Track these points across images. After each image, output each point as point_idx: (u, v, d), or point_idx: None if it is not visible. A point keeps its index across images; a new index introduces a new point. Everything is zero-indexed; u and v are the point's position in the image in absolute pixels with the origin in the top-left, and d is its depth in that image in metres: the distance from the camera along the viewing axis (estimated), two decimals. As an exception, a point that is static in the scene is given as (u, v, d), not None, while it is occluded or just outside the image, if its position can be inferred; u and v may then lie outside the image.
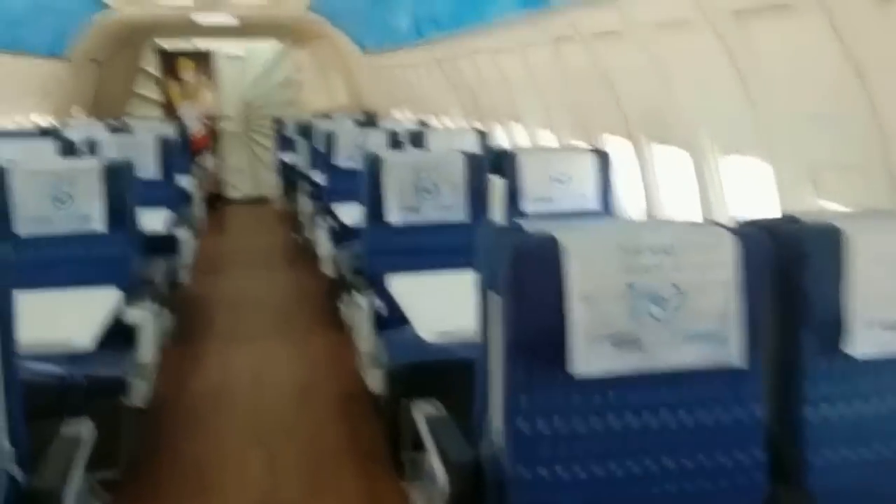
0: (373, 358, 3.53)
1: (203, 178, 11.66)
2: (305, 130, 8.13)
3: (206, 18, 10.39)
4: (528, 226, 1.77)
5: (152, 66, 11.91)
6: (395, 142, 6.18)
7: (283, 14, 10.08)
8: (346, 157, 6.15)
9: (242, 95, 12.30)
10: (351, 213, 5.10)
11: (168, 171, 5.78)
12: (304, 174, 8.07)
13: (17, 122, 8.88)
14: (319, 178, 7.11)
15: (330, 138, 6.22)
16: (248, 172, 12.49)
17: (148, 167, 5.67)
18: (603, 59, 3.84)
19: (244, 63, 12.26)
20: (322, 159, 6.89)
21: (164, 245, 5.12)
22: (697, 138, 3.22)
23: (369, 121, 9.48)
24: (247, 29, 11.24)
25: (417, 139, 6.14)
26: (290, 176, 9.21)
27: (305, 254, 8.03)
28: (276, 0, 9.27)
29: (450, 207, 3.73)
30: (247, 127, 12.42)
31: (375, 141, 6.12)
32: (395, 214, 3.73)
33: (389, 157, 3.85)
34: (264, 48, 12.21)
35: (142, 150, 5.73)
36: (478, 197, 3.76)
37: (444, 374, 3.00)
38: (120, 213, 3.61)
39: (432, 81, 7.54)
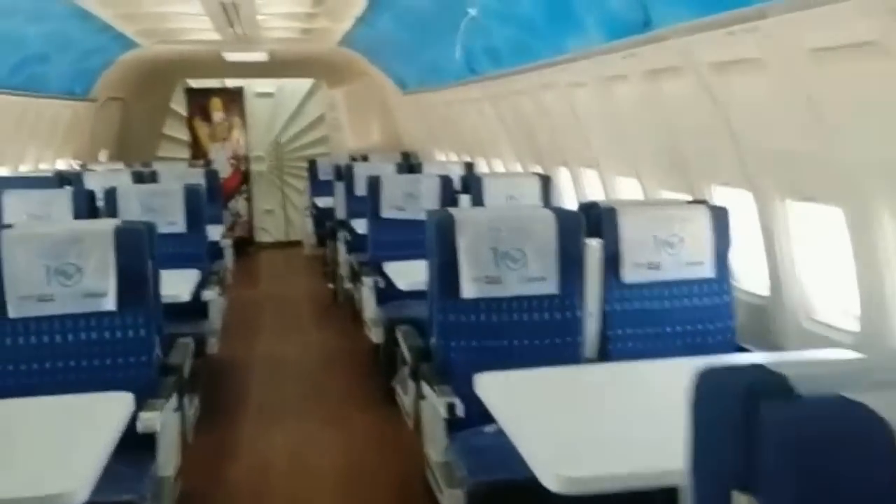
0: (447, 470, 2.86)
1: (233, 223, 11.12)
2: (343, 173, 7.51)
3: (235, 56, 9.89)
4: (802, 381, 1.02)
5: (181, 105, 11.39)
6: (447, 191, 5.51)
7: (314, 49, 9.54)
8: (393, 207, 5.50)
9: (273, 134, 11.75)
10: (403, 273, 4.45)
11: (197, 221, 5.15)
12: (342, 221, 7.44)
13: (40, 169, 8.36)
14: (361, 226, 6.49)
15: (374, 185, 5.58)
16: (279, 215, 11.90)
17: (175, 219, 5.06)
18: (722, 94, 3.16)
19: (275, 100, 11.71)
20: (364, 207, 6.28)
21: (191, 312, 4.50)
22: (864, 195, 2.52)
23: (409, 162, 8.88)
24: (279, 66, 10.72)
25: (472, 187, 5.49)
26: (324, 221, 8.58)
27: (343, 308, 7.39)
28: (308, 34, 8.73)
29: (538, 279, 3.05)
30: (278, 167, 11.85)
31: (427, 189, 5.48)
32: (470, 288, 3.05)
33: (462, 215, 3.17)
34: (296, 85, 11.66)
35: (168, 199, 5.12)
36: (571, 264, 3.08)
37: (539, 498, 2.39)
38: (138, 287, 2.99)
39: (483, 120, 6.90)
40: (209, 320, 4.86)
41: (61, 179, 7.24)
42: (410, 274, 4.26)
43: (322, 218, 8.81)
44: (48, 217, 4.93)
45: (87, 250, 2.92)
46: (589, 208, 3.25)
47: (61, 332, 2.88)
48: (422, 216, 3.67)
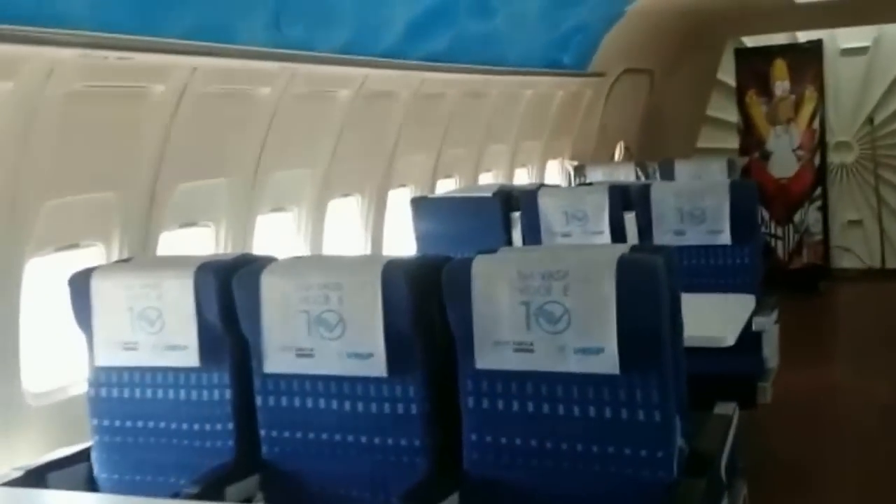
0: None
1: (799, 244, 7.64)
2: None
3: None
4: None
5: (729, 75, 8.15)
6: None
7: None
8: None
9: (865, 110, 7.85)
10: None
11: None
12: None
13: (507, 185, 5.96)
14: None
15: None
16: (870, 230, 7.99)
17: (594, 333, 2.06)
18: None
19: (869, 58, 7.79)
20: None
21: None
22: None
23: None
24: (880, 4, 6.88)
25: None
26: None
27: None
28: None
29: None
30: (871, 158, 7.94)
31: None
32: None
33: None
34: (903, 33, 7.62)
35: (582, 289, 2.09)
36: None
37: None
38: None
39: None
40: None
41: (506, 203, 4.66)
42: None
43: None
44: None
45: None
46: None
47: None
48: None
